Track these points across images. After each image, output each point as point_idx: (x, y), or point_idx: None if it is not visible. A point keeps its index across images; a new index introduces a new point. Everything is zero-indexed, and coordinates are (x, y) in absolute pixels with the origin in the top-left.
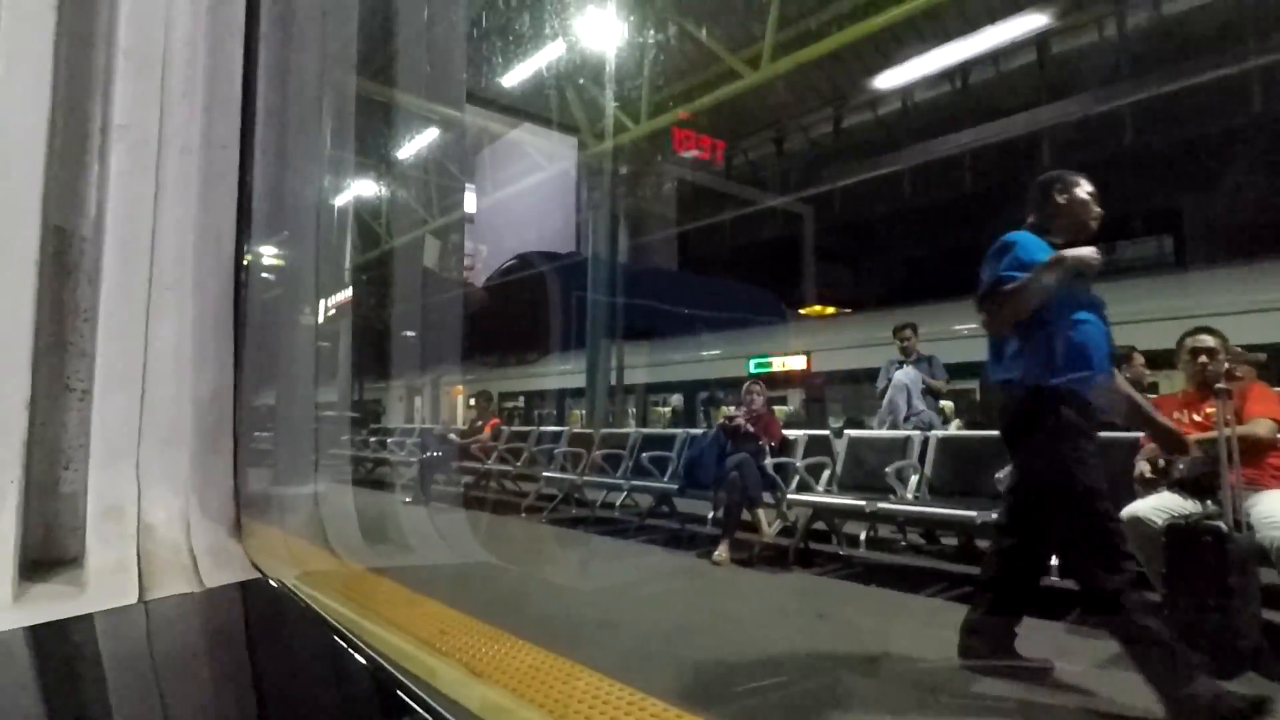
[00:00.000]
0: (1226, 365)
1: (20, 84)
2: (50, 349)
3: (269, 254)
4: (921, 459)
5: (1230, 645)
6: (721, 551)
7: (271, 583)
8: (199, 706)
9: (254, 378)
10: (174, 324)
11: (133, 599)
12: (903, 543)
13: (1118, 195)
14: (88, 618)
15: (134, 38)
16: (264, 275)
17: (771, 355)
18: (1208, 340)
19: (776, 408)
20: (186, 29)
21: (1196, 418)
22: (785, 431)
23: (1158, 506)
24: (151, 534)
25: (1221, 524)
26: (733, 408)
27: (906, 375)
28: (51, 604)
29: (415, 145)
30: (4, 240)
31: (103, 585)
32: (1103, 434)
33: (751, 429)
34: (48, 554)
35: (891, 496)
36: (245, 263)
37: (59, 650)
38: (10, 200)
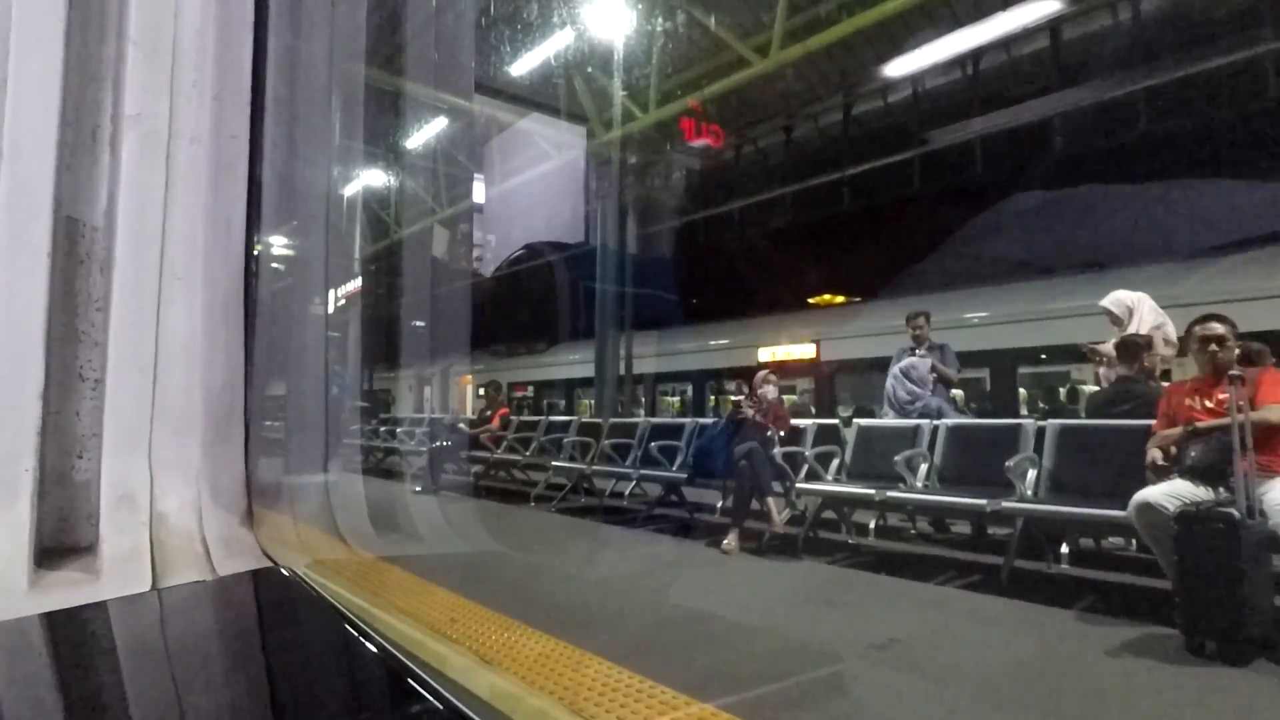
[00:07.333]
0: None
1: (31, 75)
2: (63, 339)
3: (279, 244)
4: (931, 447)
5: (1242, 633)
6: (731, 540)
7: (283, 571)
8: (211, 694)
9: (264, 367)
10: (185, 313)
11: (146, 587)
12: (912, 531)
13: None
14: (102, 605)
15: (144, 28)
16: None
17: (780, 344)
18: (1218, 328)
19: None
20: (196, 19)
21: (1209, 404)
22: (794, 421)
23: (1169, 493)
24: (164, 522)
25: (1234, 511)
26: (742, 397)
27: (919, 362)
28: (66, 591)
29: (424, 135)
30: (17, 231)
31: (116, 573)
32: (1115, 422)
33: (760, 419)
34: (62, 541)
35: (901, 485)
36: (255, 252)
37: (73, 637)
38: (23, 191)
